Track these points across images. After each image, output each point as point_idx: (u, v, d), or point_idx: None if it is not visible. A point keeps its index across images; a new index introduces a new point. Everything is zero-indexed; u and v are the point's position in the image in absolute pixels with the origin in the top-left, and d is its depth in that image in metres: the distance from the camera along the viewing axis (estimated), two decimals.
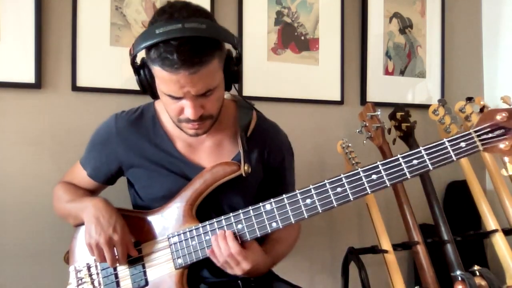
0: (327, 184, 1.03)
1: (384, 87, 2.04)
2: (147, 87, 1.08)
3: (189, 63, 0.96)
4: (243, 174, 1.12)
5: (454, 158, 0.98)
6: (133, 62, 1.06)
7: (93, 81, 1.55)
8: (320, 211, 1.04)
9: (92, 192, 1.27)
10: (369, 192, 1.01)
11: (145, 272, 1.12)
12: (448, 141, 0.98)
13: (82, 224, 1.16)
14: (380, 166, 1.01)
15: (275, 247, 1.20)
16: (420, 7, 2.13)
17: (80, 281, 1.16)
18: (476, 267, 1.59)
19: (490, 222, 1.77)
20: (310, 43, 1.90)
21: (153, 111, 1.22)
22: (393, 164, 1.00)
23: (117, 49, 1.58)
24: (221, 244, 1.06)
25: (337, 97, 1.95)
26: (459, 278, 1.53)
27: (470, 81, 2.27)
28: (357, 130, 1.80)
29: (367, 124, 1.77)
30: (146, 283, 1.12)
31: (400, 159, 1.00)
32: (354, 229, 1.99)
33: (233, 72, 1.09)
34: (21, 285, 1.47)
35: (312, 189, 1.04)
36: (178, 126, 1.12)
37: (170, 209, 1.14)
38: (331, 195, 1.03)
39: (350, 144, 1.75)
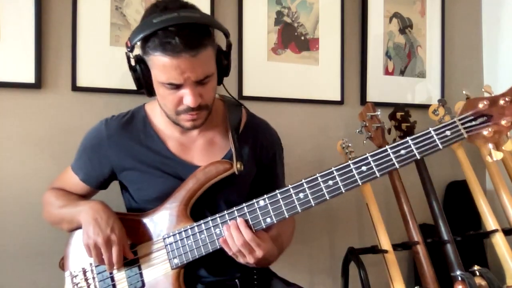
0: (318, 178, 1.05)
1: (384, 87, 2.04)
2: (143, 82, 1.10)
3: (190, 46, 1.00)
4: (236, 172, 1.13)
5: (440, 146, 1.01)
6: (128, 56, 1.08)
7: (93, 81, 1.55)
8: (313, 205, 1.05)
9: (84, 197, 1.27)
10: (360, 184, 1.03)
11: (141, 274, 1.12)
12: (434, 130, 1.02)
13: (77, 229, 1.16)
14: (369, 157, 1.03)
15: (278, 240, 1.20)
16: (420, 7, 2.13)
17: (76, 286, 1.16)
18: (476, 267, 1.59)
19: (490, 222, 1.76)
20: (310, 43, 1.90)
21: (143, 113, 1.23)
22: (382, 155, 1.03)
23: (117, 49, 1.58)
24: (234, 233, 1.05)
25: (337, 97, 1.95)
26: (459, 278, 1.53)
27: (470, 81, 2.27)
28: (357, 130, 1.80)
29: (367, 124, 1.77)
30: (143, 285, 1.12)
31: (389, 149, 1.02)
32: (354, 229, 1.99)
33: (224, 65, 1.13)
34: (21, 285, 1.47)
35: (304, 183, 1.06)
36: (174, 120, 1.13)
37: (164, 210, 1.14)
38: (323, 188, 1.05)
39: (350, 144, 1.75)
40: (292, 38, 1.86)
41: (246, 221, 1.07)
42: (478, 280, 1.54)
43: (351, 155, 1.73)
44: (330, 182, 1.04)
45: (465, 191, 1.85)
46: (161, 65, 1.02)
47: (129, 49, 1.06)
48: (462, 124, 1.01)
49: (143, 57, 1.06)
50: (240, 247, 1.05)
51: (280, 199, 1.06)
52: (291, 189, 1.06)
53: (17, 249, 1.47)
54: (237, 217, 1.07)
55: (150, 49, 1.02)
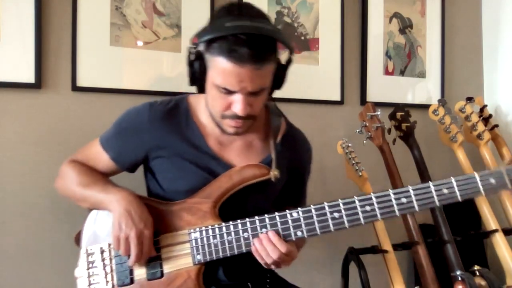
0: (356, 201, 1.05)
1: (384, 87, 2.04)
2: (198, 79, 1.08)
3: (256, 58, 1.00)
4: (272, 179, 1.12)
5: (482, 192, 1.02)
6: (190, 52, 1.07)
7: (93, 81, 1.55)
8: (347, 227, 1.05)
9: (106, 175, 1.23)
10: (398, 214, 1.04)
11: (161, 264, 1.10)
12: (479, 176, 1.02)
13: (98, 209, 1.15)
14: (411, 190, 1.03)
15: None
16: (420, 7, 2.13)
17: (90, 265, 1.13)
18: (476, 267, 1.60)
19: (490, 222, 1.77)
20: (310, 43, 1.90)
21: (186, 105, 1.21)
22: (424, 190, 1.03)
23: (117, 49, 1.58)
24: (268, 247, 1.05)
25: (337, 97, 1.95)
26: (459, 278, 1.53)
27: (470, 81, 2.27)
28: (357, 130, 1.80)
29: (367, 124, 1.77)
30: (162, 275, 1.10)
31: (431, 186, 1.03)
32: (354, 229, 1.97)
33: (280, 77, 1.13)
34: (21, 285, 1.47)
35: (341, 204, 1.05)
36: (218, 122, 1.12)
37: (193, 204, 1.13)
38: (360, 212, 1.05)
39: (350, 144, 1.75)
40: (292, 38, 1.86)
41: (278, 233, 1.06)
42: (478, 280, 1.54)
43: (351, 155, 1.73)
44: (368, 208, 1.04)
45: None
46: (222, 69, 1.01)
47: (194, 46, 1.05)
48: (508, 175, 1.01)
49: (205, 55, 1.05)
50: (277, 260, 1.05)
51: (314, 215, 1.06)
52: (326, 207, 1.06)
53: (17, 249, 1.46)
54: (269, 231, 1.06)
55: (215, 51, 1.01)
